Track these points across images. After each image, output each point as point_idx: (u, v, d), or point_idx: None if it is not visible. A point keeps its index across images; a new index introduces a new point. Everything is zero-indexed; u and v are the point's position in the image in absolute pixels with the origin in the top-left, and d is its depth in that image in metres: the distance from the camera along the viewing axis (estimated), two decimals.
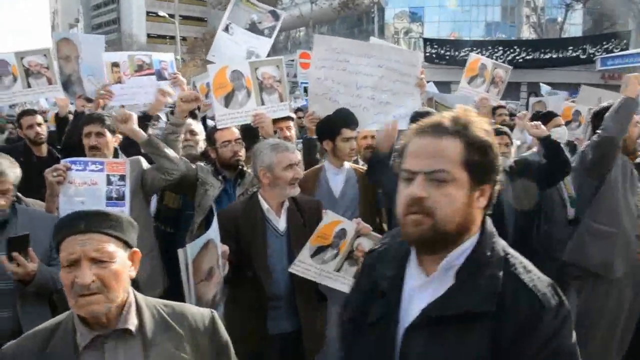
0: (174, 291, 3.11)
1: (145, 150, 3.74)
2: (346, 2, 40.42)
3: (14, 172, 3.06)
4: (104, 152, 3.72)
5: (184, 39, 59.74)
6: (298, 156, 3.36)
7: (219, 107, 4.31)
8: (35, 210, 3.32)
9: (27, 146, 5.45)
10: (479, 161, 1.44)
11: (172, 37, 63.58)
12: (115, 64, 4.98)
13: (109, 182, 3.48)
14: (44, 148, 5.50)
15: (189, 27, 73.33)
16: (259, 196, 3.29)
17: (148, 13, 78.64)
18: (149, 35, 77.75)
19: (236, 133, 4.15)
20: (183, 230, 4.08)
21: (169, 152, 3.70)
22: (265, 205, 3.25)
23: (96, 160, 3.53)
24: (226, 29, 5.85)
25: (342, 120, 4.11)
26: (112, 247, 1.74)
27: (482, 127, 1.47)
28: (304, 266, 3.22)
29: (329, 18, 45.67)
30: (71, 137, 4.83)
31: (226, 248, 2.69)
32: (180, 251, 2.42)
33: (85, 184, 3.46)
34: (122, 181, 3.49)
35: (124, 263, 1.77)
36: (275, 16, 5.97)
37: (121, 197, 3.49)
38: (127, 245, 1.80)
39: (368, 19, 45.38)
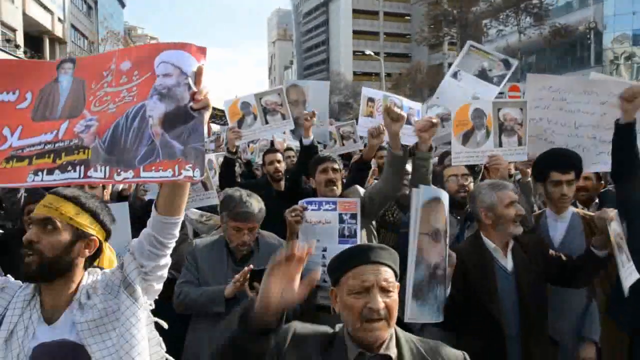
0: None
1: (391, 162, 3.69)
2: (558, 29, 38.55)
3: (261, 210, 3.42)
4: (338, 187, 4.02)
5: (388, 75, 61.36)
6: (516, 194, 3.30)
7: (456, 145, 4.31)
8: (275, 244, 3.58)
9: (268, 181, 5.83)
10: None
11: (377, 74, 65.78)
12: (371, 99, 5.49)
13: (341, 221, 3.65)
14: (282, 183, 5.80)
15: (393, 63, 75.06)
16: (483, 236, 3.27)
17: (355, 52, 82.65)
18: (355, 73, 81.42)
19: (463, 169, 4.19)
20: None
21: (405, 174, 3.88)
22: (491, 244, 3.22)
23: (330, 200, 3.75)
24: (454, 75, 5.92)
25: (550, 161, 3.81)
26: (393, 278, 1.92)
27: None
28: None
29: (538, 47, 43.71)
30: (297, 173, 5.29)
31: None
32: (415, 190, 2.58)
33: (320, 223, 3.67)
34: (353, 219, 3.64)
35: (397, 294, 1.92)
36: (507, 65, 5.95)
37: (353, 235, 3.64)
38: (396, 277, 1.95)
39: (582, 46, 42.44)
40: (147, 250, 2.07)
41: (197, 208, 4.82)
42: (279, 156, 5.91)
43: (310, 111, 5.42)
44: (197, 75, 1.92)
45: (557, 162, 3.77)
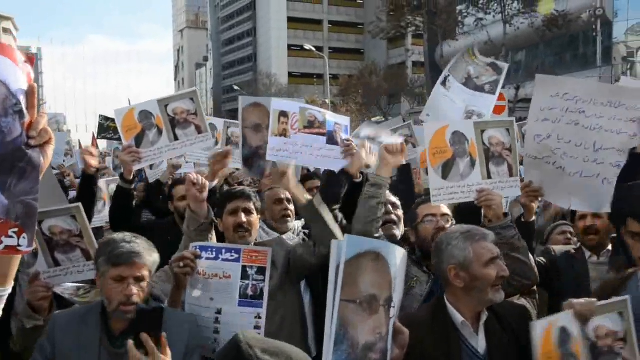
0: None
1: (304, 215, 4.06)
2: (554, 18, 39.57)
3: (151, 256, 3.40)
4: (252, 234, 4.12)
5: (334, 77, 62.19)
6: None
7: (435, 179, 4.49)
8: (171, 310, 3.59)
9: (176, 222, 5.76)
10: None
11: (320, 76, 66.77)
12: (283, 114, 5.38)
13: (245, 276, 3.71)
14: None
15: (342, 62, 76.39)
16: (448, 304, 3.32)
17: (290, 47, 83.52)
18: (290, 74, 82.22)
19: (444, 208, 4.40)
20: None
21: (330, 220, 3.90)
22: (458, 317, 3.27)
23: (232, 247, 3.80)
24: (444, 82, 6.44)
25: (630, 205, 3.70)
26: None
27: None
28: None
29: (528, 41, 44.85)
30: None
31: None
32: (334, 243, 2.53)
33: (217, 277, 3.71)
34: (260, 275, 3.70)
35: None
36: (497, 69, 6.36)
37: (258, 296, 3.68)
38: None
39: (586, 39, 43.94)
40: None
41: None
42: None
43: (226, 149, 5.62)
44: (30, 97, 1.88)
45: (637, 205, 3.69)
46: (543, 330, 3.14)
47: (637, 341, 3.16)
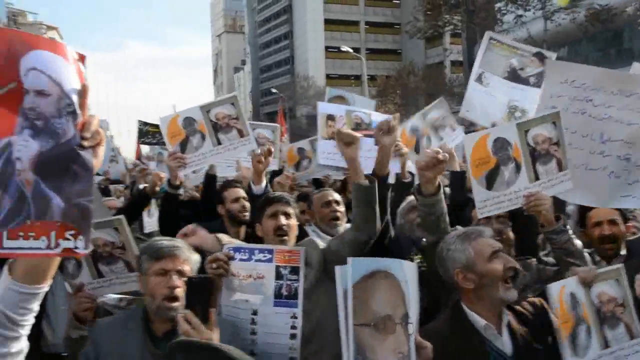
0: None
1: (356, 195, 3.89)
2: (597, 12, 38.73)
3: (192, 254, 3.55)
4: (290, 238, 4.13)
5: (372, 78, 61.92)
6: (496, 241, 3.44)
7: (478, 191, 4.21)
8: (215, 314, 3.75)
9: (224, 225, 5.76)
10: None
11: (358, 77, 66.57)
12: (330, 117, 5.75)
13: (279, 276, 3.75)
14: (243, 231, 5.71)
15: (379, 62, 76.11)
16: (466, 309, 3.31)
17: (327, 49, 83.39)
18: (328, 76, 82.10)
19: None
20: None
21: (377, 208, 3.90)
22: (479, 321, 3.26)
23: (264, 247, 3.87)
24: (479, 79, 6.39)
25: None
26: None
27: None
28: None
29: (570, 37, 44.06)
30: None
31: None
32: (338, 268, 2.58)
33: (251, 278, 3.77)
34: (294, 274, 3.74)
35: None
36: (543, 60, 6.18)
37: (293, 295, 3.72)
38: None
39: (632, 34, 42.99)
40: None
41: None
42: (243, 192, 6.02)
43: (265, 148, 5.86)
44: (82, 97, 1.93)
45: None
46: (558, 293, 3.35)
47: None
